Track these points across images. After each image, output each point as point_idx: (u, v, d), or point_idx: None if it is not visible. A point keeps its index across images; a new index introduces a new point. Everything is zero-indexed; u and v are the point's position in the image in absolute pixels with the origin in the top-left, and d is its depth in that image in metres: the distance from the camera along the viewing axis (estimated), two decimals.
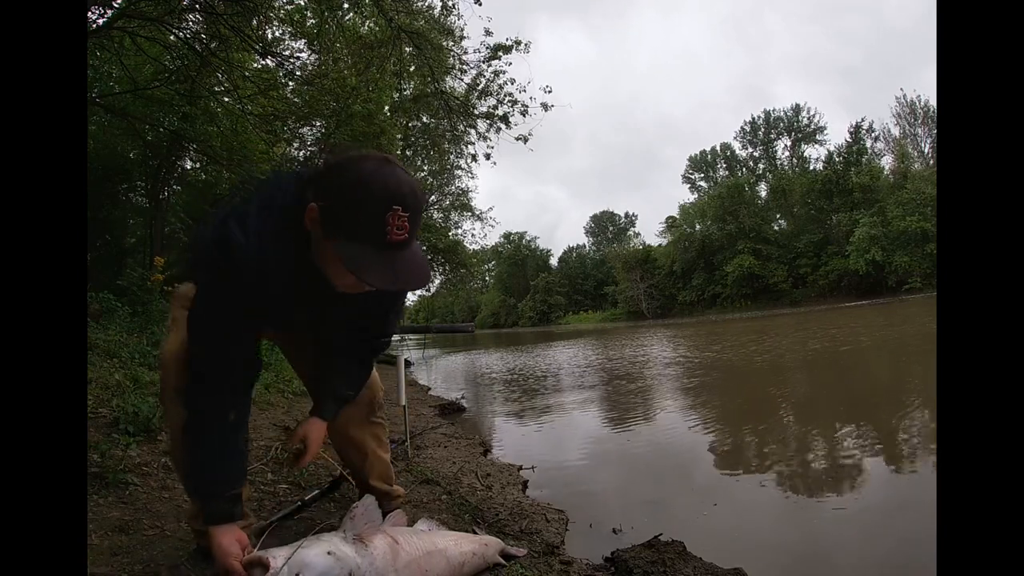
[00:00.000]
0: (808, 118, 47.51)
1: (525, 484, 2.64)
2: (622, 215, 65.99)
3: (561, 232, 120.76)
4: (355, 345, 1.40)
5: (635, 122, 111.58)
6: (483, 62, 8.72)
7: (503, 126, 8.60)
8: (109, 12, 5.07)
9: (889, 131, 41.05)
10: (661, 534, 1.81)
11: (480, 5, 6.54)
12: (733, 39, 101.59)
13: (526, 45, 8.80)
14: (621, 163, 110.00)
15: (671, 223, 49.66)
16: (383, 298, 1.28)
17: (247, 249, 1.05)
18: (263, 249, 1.06)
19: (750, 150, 50.56)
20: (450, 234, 16.39)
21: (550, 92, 8.82)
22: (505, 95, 8.81)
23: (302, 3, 5.81)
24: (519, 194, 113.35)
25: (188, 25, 5.67)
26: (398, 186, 0.98)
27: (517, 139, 8.66)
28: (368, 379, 1.51)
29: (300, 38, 6.16)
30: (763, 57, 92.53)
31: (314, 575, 1.04)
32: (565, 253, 65.99)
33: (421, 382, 8.12)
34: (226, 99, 6.64)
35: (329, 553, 1.08)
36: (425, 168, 15.96)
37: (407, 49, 6.60)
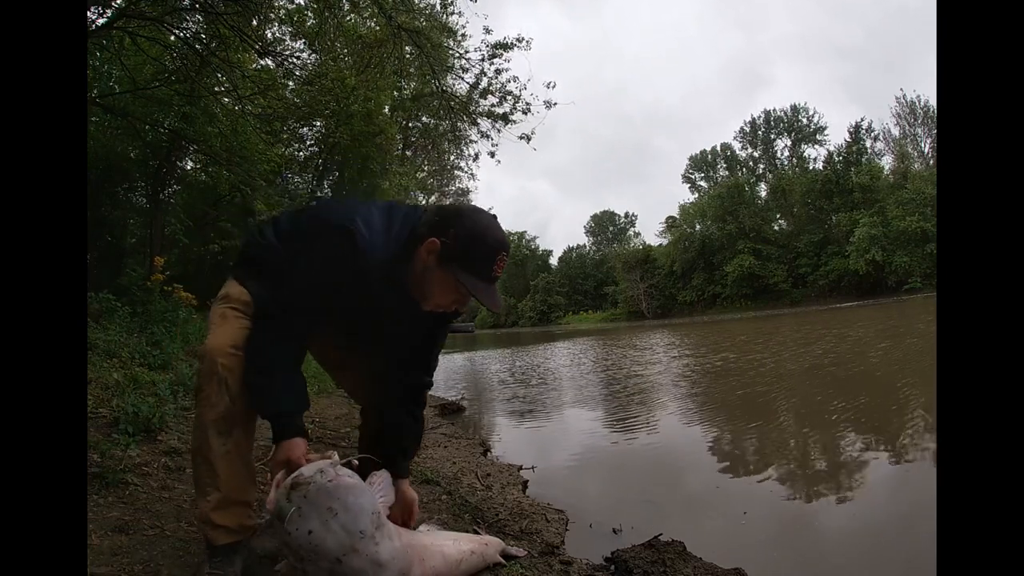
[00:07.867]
0: (808, 118, 47.58)
1: (525, 484, 2.63)
2: (622, 215, 66.13)
3: (553, 230, 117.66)
4: (406, 390, 1.53)
5: (624, 111, 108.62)
6: (484, 60, 8.73)
7: (504, 124, 8.59)
8: (109, 12, 5.07)
9: (889, 131, 41.14)
10: (661, 534, 1.81)
11: (475, 2, 6.57)
12: (729, 17, 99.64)
13: (527, 42, 8.81)
14: (611, 155, 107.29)
15: (671, 223, 49.67)
16: (435, 332, 1.51)
17: (369, 244, 1.23)
18: (382, 253, 1.25)
19: (750, 150, 50.61)
20: None
21: (554, 88, 8.80)
22: (507, 93, 8.81)
23: (302, 3, 5.81)
24: (505, 191, 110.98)
25: (188, 25, 5.67)
26: (505, 239, 1.30)
27: (520, 137, 8.65)
28: (423, 429, 1.65)
29: (300, 38, 6.16)
30: (758, 37, 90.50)
31: (352, 495, 1.11)
32: (565, 253, 66.12)
33: None
34: (226, 99, 6.63)
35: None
36: (425, 168, 15.94)
37: (407, 48, 6.59)
